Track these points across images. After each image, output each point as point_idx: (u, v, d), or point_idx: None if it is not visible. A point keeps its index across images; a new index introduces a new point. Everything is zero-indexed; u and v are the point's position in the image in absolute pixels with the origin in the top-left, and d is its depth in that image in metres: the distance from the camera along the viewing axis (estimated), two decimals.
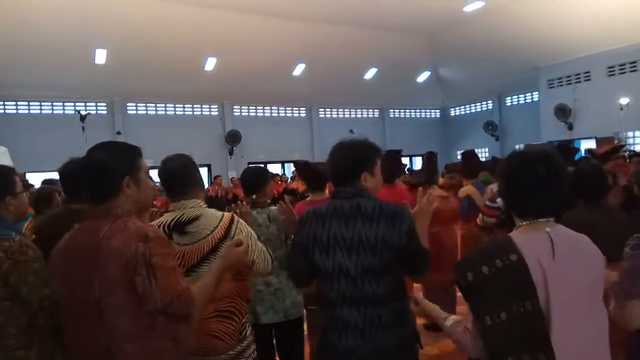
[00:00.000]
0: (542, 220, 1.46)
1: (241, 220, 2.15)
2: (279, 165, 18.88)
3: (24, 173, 10.23)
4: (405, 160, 21.16)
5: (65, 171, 2.59)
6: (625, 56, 14.50)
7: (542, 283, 1.36)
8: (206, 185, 12.90)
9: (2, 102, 14.36)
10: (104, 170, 1.58)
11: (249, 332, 2.18)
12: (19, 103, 14.67)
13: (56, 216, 2.50)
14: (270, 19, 14.17)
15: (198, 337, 1.90)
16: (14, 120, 14.18)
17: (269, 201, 2.99)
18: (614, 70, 15.10)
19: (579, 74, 16.05)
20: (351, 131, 18.50)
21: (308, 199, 3.57)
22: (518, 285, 1.37)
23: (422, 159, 5.30)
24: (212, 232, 2.01)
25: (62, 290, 1.56)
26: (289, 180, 14.02)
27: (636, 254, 1.57)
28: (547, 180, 1.45)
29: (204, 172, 17.12)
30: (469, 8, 14.75)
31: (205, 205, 2.13)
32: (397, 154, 4.06)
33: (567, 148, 5.30)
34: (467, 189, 4.80)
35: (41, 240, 2.19)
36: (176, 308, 1.50)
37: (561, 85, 16.69)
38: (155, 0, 12.49)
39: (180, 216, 2.05)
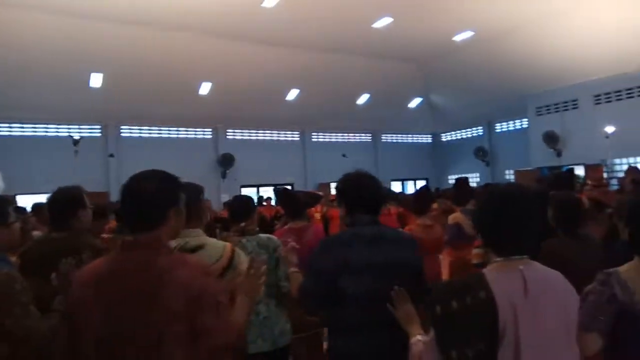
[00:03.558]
0: (516, 257, 1.47)
1: (239, 251, 2.21)
2: (271, 188, 18.88)
3: (14, 195, 10.19)
4: (397, 185, 21.29)
5: (54, 200, 2.60)
6: (611, 85, 14.87)
7: (512, 322, 1.37)
8: None
9: None
10: (154, 199, 1.56)
11: None
12: (12, 125, 14.68)
13: (40, 243, 2.53)
14: (264, 46, 14.42)
15: None
16: (7, 142, 14.15)
17: (256, 229, 3.04)
18: (600, 99, 15.45)
19: (566, 102, 16.40)
20: (344, 155, 18.67)
21: (287, 226, 3.62)
22: (485, 323, 1.38)
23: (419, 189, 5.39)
24: (217, 260, 2.07)
25: (103, 324, 1.45)
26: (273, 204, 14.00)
27: (602, 290, 1.61)
28: (522, 218, 1.48)
29: None
30: (458, 37, 15.14)
31: (205, 235, 2.20)
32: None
33: (564, 176, 5.41)
34: (456, 216, 4.85)
35: (24, 265, 2.23)
36: (237, 344, 1.51)
37: (549, 113, 17.01)
38: (151, 26, 12.69)
39: (184, 244, 2.10)
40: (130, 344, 1.43)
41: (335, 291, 1.93)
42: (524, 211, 1.49)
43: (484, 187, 6.58)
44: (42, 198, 3.07)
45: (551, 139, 16.35)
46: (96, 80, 13.84)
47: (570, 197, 2.71)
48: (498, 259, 1.50)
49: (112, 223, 4.97)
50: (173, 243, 2.07)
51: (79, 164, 12.87)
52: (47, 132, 15.17)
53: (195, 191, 2.23)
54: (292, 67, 15.38)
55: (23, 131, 14.88)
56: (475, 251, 3.20)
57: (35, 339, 1.80)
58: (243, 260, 2.17)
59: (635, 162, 14.37)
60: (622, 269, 1.63)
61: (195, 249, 2.08)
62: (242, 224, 2.90)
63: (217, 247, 2.13)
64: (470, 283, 1.46)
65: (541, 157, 16.69)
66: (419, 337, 1.65)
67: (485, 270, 1.50)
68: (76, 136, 13.53)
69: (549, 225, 2.55)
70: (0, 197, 2.13)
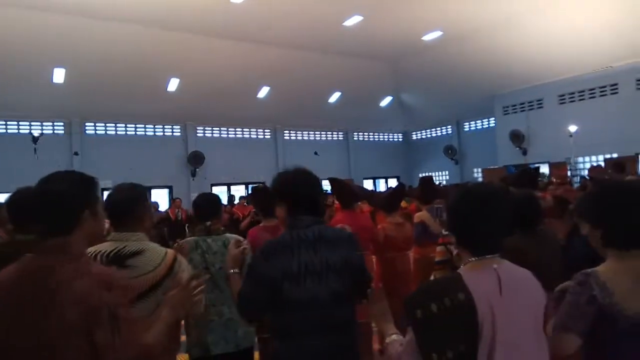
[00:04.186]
0: (489, 256, 1.50)
1: (183, 259, 2.12)
2: (243, 187, 18.74)
3: None
4: (369, 183, 21.45)
5: (12, 200, 2.49)
6: (575, 85, 15.35)
7: (490, 321, 1.39)
8: (165, 207, 12.63)
9: None
10: (63, 201, 1.46)
11: None
12: None
13: (1, 246, 2.40)
14: (234, 42, 14.25)
15: None
16: None
17: (222, 228, 2.97)
18: (564, 99, 15.93)
19: (532, 102, 16.85)
20: (316, 153, 18.69)
21: (261, 224, 3.57)
22: (464, 325, 1.39)
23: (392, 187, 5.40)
24: (155, 268, 1.97)
25: (4, 332, 1.39)
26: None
27: (580, 291, 1.60)
28: (494, 217, 1.50)
29: (165, 193, 16.77)
30: (427, 37, 15.33)
31: (148, 239, 2.09)
32: (343, 182, 4.14)
33: (529, 173, 5.52)
34: (422, 214, 4.91)
35: None
36: None
37: (515, 112, 17.44)
38: (116, 21, 12.34)
39: (122, 248, 2.00)
40: (21, 357, 1.36)
41: (277, 297, 1.86)
42: (497, 210, 1.51)
43: (454, 187, 6.68)
44: (1, 198, 2.93)
45: (517, 137, 16.77)
46: (59, 75, 13.35)
47: (528, 194, 2.75)
48: (472, 258, 1.51)
49: None
50: (109, 247, 1.99)
51: (42, 162, 12.42)
52: (7, 129, 14.53)
53: (136, 193, 2.12)
54: (262, 64, 15.24)
55: None
56: (438, 249, 3.24)
57: None
58: (185, 269, 2.08)
59: (597, 161, 14.90)
60: (600, 269, 1.63)
61: (132, 255, 1.98)
62: (208, 223, 2.83)
63: (157, 253, 2.02)
64: (448, 285, 1.46)
65: (508, 156, 17.10)
66: (394, 337, 1.64)
67: (461, 271, 1.51)
68: (36, 133, 13.00)
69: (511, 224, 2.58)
70: None
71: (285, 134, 20.04)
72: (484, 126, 20.21)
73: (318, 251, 1.89)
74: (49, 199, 1.47)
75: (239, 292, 1.97)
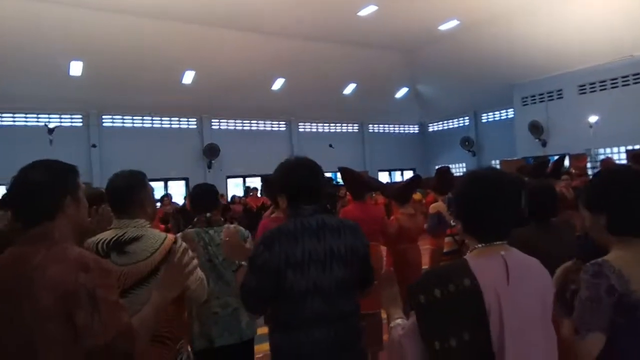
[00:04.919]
0: (497, 243, 1.46)
1: (184, 244, 2.09)
2: (258, 179, 18.80)
3: None
4: (384, 175, 21.33)
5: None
6: (595, 75, 14.95)
7: (497, 309, 1.35)
8: (181, 199, 12.73)
9: None
10: (42, 190, 1.46)
11: (184, 357, 2.12)
12: None
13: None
14: (248, 34, 14.23)
15: None
16: None
17: (222, 219, 2.96)
18: (585, 89, 15.54)
19: (551, 92, 16.48)
20: (330, 146, 18.60)
21: (273, 215, 3.54)
22: (470, 312, 1.35)
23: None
24: (152, 254, 1.95)
25: None
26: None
27: (597, 283, 1.50)
28: (503, 203, 1.45)
29: (181, 185, 16.94)
30: (444, 26, 15.08)
31: (149, 225, 2.07)
32: (354, 173, 4.07)
33: (547, 164, 5.41)
34: (438, 205, 4.85)
35: None
36: (119, 346, 1.39)
37: (534, 103, 17.09)
38: (133, 13, 12.42)
39: (122, 235, 1.99)
40: (6, 347, 1.37)
41: (281, 287, 1.82)
42: (504, 196, 1.47)
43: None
44: None
45: (536, 129, 16.46)
46: (76, 68, 13.51)
47: (544, 185, 2.67)
48: (479, 245, 1.47)
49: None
50: (109, 235, 1.99)
51: (58, 154, 12.51)
52: (26, 122, 14.79)
53: (134, 179, 2.11)
54: (277, 56, 15.20)
55: (2, 121, 14.48)
56: (446, 239, 3.18)
57: None
58: (187, 256, 2.05)
59: (619, 152, 14.54)
60: (610, 257, 1.54)
61: (131, 241, 1.97)
62: (208, 215, 2.81)
63: (155, 239, 2.00)
64: (454, 271, 1.42)
65: (527, 147, 16.80)
66: (399, 321, 1.60)
67: (467, 257, 1.47)
68: (52, 125, 13.18)
69: (522, 213, 2.51)
70: None
71: (300, 126, 20.00)
72: (502, 117, 19.87)
73: (322, 239, 1.85)
74: (28, 188, 1.47)
75: (242, 283, 1.93)
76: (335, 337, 1.82)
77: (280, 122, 19.58)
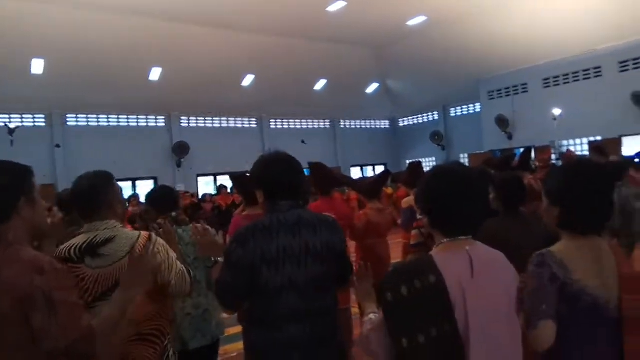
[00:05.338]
0: (462, 238, 1.46)
1: (159, 240, 2.06)
2: (229, 177, 18.62)
3: None
4: (356, 171, 21.43)
5: None
6: (559, 69, 15.41)
7: (462, 304, 1.36)
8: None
9: None
10: None
11: (171, 353, 2.10)
12: None
13: None
14: (216, 30, 14.03)
15: None
16: None
17: (187, 219, 2.93)
18: (549, 82, 15.99)
19: (517, 86, 16.89)
20: (303, 142, 18.57)
21: (244, 213, 3.48)
22: (436, 307, 1.36)
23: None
24: (127, 253, 1.90)
25: None
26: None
27: (540, 272, 1.54)
28: (471, 198, 1.46)
29: (150, 185, 16.60)
30: (412, 22, 15.24)
31: (120, 226, 2.03)
32: (323, 167, 4.05)
33: (513, 157, 5.52)
34: (410, 199, 4.85)
35: None
36: (79, 349, 1.36)
37: (501, 97, 17.49)
38: (95, 10, 12.06)
39: (94, 238, 1.94)
40: None
41: (256, 283, 1.80)
42: (472, 191, 1.48)
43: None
44: None
45: (502, 122, 16.84)
46: (38, 66, 13.06)
47: (512, 176, 2.72)
48: (445, 239, 1.48)
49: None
50: (81, 239, 1.95)
51: (20, 154, 12.10)
52: None
53: (99, 180, 2.05)
54: (246, 52, 15.06)
55: None
56: (412, 232, 3.22)
57: None
58: (160, 250, 2.02)
59: (582, 143, 15.03)
60: (554, 248, 1.58)
61: (104, 243, 1.93)
62: (174, 214, 2.77)
63: (128, 238, 1.97)
64: (419, 267, 1.43)
65: (494, 140, 17.18)
66: (371, 316, 1.61)
67: (433, 253, 1.48)
68: (12, 125, 12.73)
69: (489, 205, 2.55)
70: None
71: (271, 123, 19.88)
72: (470, 111, 20.25)
73: (297, 235, 1.83)
74: None
75: (217, 280, 1.91)
76: (312, 333, 1.81)
77: (251, 119, 19.41)
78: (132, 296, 1.62)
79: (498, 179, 2.64)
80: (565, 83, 15.55)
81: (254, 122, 19.51)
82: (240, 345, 3.52)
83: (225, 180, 17.41)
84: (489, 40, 15.04)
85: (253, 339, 1.87)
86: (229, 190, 12.79)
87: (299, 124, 20.81)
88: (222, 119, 18.71)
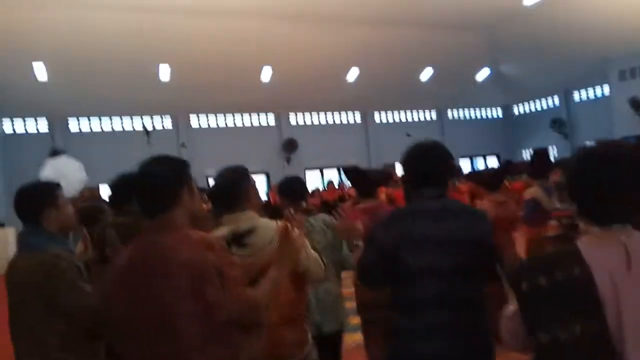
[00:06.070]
0: (617, 226, 1.30)
1: (295, 229, 2.16)
2: (335, 170, 19.00)
3: (98, 186, 10.88)
4: (465, 162, 20.54)
5: (116, 184, 2.80)
6: None
7: (614, 301, 1.22)
8: (264, 195, 13.19)
9: (76, 119, 15.67)
10: (164, 182, 1.58)
11: (309, 337, 2.24)
12: (92, 119, 15.93)
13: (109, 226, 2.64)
14: (320, 25, 14.34)
15: (268, 344, 1.91)
16: (87, 137, 15.46)
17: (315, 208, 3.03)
18: None
19: None
20: (408, 134, 18.24)
21: (360, 206, 3.49)
22: (580, 303, 1.23)
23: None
24: (270, 242, 2.03)
25: (126, 306, 1.53)
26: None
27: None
28: (624, 181, 1.29)
29: (261, 180, 17.54)
30: (529, 1, 14.14)
31: (258, 217, 2.17)
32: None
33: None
34: (533, 190, 4.54)
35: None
36: (248, 318, 1.52)
37: (634, 77, 15.61)
38: (212, 14, 13.02)
39: (236, 229, 2.10)
40: (139, 332, 1.50)
41: (396, 266, 1.84)
42: (627, 172, 1.29)
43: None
44: None
45: (638, 105, 15.03)
46: (164, 72, 14.47)
47: None
48: (595, 229, 1.32)
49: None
50: (225, 230, 2.10)
51: (155, 154, 13.60)
52: (122, 125, 16.24)
53: (238, 174, 2.20)
54: (349, 45, 15.17)
55: (101, 125, 16.08)
56: (551, 223, 2.96)
57: (82, 313, 1.92)
58: (299, 239, 2.12)
59: None
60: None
61: (248, 233, 2.07)
62: (304, 204, 2.89)
63: (268, 228, 2.10)
64: (562, 257, 1.29)
65: (627, 126, 15.37)
66: (511, 306, 1.47)
67: (579, 243, 1.32)
68: (149, 127, 14.34)
69: None
70: (51, 182, 2.25)
71: (376, 116, 19.87)
72: (597, 94, 18.34)
73: (440, 221, 1.85)
74: (152, 181, 1.60)
75: (358, 261, 2.01)
76: (455, 322, 1.80)
77: (356, 113, 19.59)
78: (283, 274, 1.76)
79: None
80: None
81: (359, 116, 19.67)
82: (357, 336, 3.57)
83: (332, 175, 17.84)
84: (618, 13, 13.42)
85: (395, 323, 1.92)
86: (336, 186, 13.04)
87: (404, 116, 20.52)
88: (328, 114, 19.16)
